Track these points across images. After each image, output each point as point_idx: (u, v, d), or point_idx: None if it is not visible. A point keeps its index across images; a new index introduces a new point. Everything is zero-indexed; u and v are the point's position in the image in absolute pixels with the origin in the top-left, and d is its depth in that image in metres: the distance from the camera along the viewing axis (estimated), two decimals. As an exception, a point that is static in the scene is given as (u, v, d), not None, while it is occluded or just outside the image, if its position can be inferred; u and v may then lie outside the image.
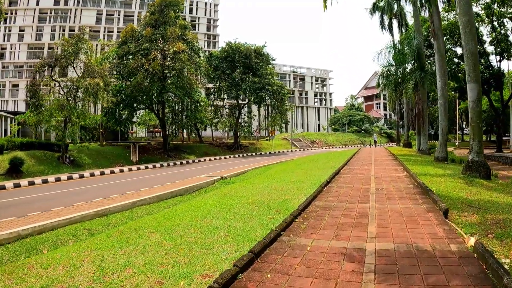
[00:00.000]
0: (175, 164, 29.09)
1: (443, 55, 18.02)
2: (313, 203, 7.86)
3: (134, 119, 42.69)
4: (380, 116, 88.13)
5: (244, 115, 45.55)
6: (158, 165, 28.05)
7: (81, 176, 21.45)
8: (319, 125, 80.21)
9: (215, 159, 33.52)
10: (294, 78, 79.09)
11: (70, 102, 25.94)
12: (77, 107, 26.20)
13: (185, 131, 47.62)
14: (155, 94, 33.04)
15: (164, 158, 32.44)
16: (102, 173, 23.04)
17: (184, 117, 34.21)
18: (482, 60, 30.76)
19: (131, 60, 31.38)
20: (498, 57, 31.39)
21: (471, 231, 5.18)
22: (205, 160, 31.98)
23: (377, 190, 9.28)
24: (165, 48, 30.80)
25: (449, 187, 8.99)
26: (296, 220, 6.37)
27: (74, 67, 27.48)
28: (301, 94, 78.97)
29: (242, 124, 43.58)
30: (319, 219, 6.48)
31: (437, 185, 9.31)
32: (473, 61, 11.30)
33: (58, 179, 19.87)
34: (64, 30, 60.69)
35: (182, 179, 18.77)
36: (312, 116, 80.00)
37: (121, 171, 24.29)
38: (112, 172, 23.67)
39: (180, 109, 34.66)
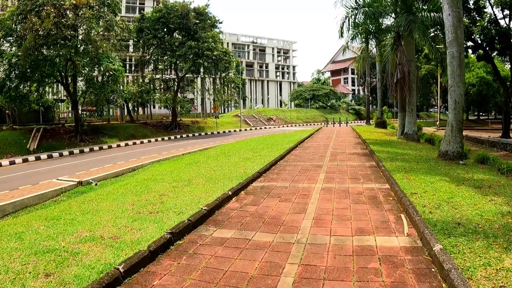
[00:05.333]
0: (71, 153, 22.51)
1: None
2: None
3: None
4: (348, 92, 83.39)
5: (183, 88, 38.86)
6: (54, 154, 21.59)
7: None
8: (281, 101, 74.38)
9: (135, 143, 27.10)
10: (253, 50, 72.19)
11: None
12: None
13: (118, 109, 40.96)
14: (60, 64, 26.07)
15: (73, 144, 25.98)
16: None
17: (99, 91, 27.14)
18: (485, 14, 24.42)
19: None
20: (505, 11, 23.81)
21: None
22: (119, 146, 25.64)
23: None
24: (62, 2, 23.46)
25: None
26: None
27: None
28: (261, 66, 72.33)
29: (181, 99, 36.84)
30: None
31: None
32: None
33: None
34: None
35: (51, 178, 12.92)
36: (273, 91, 73.94)
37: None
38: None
39: (94, 82, 27.54)
